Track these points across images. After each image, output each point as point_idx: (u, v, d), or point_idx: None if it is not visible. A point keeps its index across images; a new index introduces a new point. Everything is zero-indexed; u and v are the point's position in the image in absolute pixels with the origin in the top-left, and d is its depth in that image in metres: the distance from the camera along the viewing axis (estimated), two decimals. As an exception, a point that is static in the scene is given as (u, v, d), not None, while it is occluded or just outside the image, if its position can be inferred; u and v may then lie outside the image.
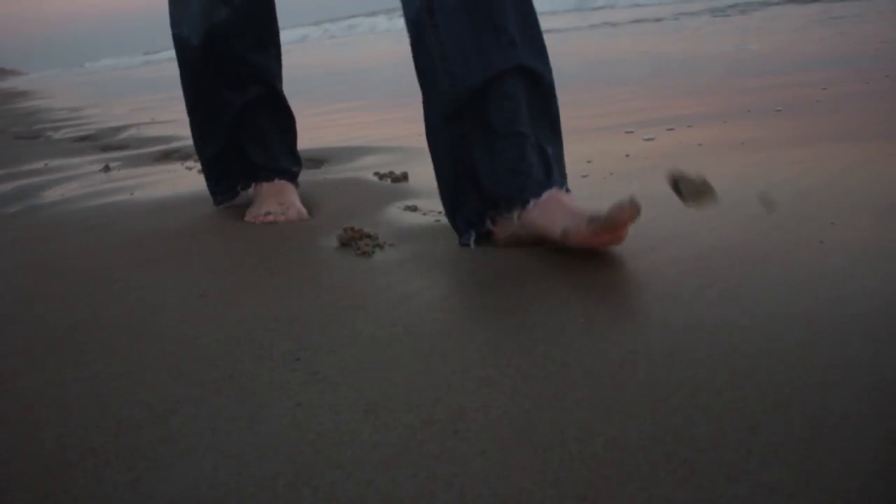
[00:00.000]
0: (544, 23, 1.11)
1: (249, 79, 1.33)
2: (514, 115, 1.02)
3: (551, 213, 0.98)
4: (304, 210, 1.33)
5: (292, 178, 1.40)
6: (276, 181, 1.36)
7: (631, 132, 2.01)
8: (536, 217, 1.00)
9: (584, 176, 1.48)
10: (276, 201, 1.32)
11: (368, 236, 1.15)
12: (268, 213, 1.30)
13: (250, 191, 1.39)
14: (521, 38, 1.03)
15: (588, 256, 0.98)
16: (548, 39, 1.09)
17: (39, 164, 2.45)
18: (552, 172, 1.03)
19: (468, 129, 1.04)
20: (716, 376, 0.67)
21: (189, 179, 1.87)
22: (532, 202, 1.00)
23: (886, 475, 0.52)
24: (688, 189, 0.92)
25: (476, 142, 1.04)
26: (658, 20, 8.36)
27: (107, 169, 2.18)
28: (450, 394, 0.67)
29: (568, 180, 1.09)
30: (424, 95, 1.09)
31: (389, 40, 12.85)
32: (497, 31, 1.01)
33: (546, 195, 1.00)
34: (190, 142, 2.70)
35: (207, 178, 1.43)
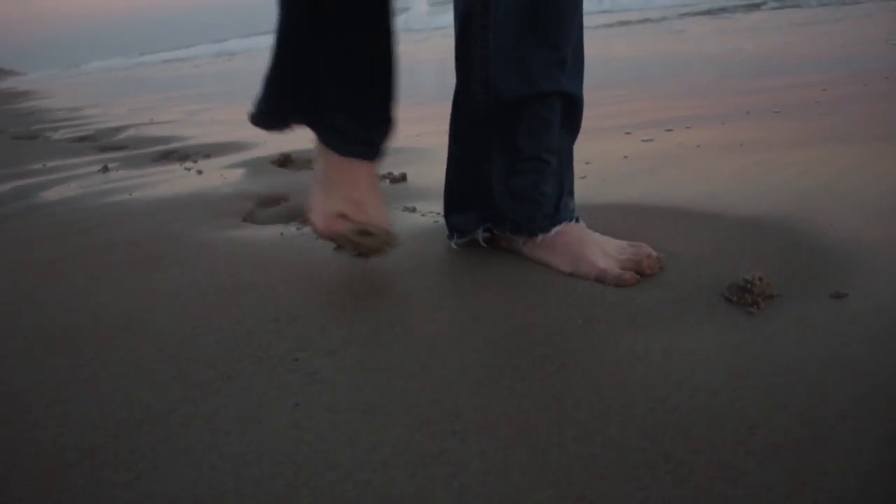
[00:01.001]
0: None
1: (350, 12, 0.96)
2: (542, 139, 0.98)
3: (559, 253, 0.97)
4: (385, 218, 1.00)
5: (374, 152, 1.01)
6: (351, 161, 0.99)
7: (629, 133, 2.01)
8: (542, 254, 0.99)
9: (583, 177, 1.48)
10: (352, 199, 0.98)
11: (367, 237, 1.15)
12: (339, 216, 0.97)
13: (304, 134, 1.04)
14: (572, 61, 0.98)
15: (586, 257, 0.98)
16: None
17: (38, 165, 2.45)
18: (561, 204, 1.01)
19: (492, 138, 0.99)
20: (713, 377, 0.67)
21: (188, 180, 1.87)
22: (540, 237, 0.99)
23: (883, 476, 0.52)
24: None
25: (497, 154, 1.00)
26: (655, 21, 8.38)
27: (105, 169, 2.18)
28: (448, 394, 0.68)
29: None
30: (456, 89, 1.03)
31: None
32: (550, 49, 0.94)
33: (554, 231, 0.99)
34: (189, 142, 2.71)
35: (263, 88, 1.01)
